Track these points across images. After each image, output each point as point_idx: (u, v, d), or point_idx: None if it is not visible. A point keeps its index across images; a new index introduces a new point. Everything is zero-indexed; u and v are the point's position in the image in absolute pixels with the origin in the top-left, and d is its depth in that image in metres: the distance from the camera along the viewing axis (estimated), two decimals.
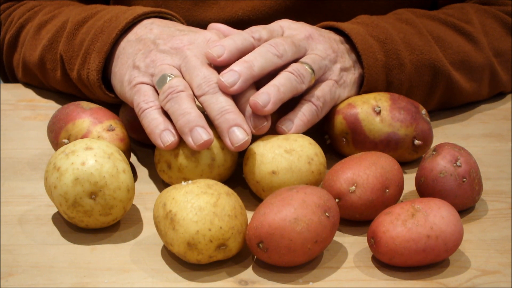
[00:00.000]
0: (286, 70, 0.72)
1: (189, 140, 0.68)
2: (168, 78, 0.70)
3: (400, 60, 0.80)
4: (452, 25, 0.86)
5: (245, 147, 0.68)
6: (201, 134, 0.67)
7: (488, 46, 0.87)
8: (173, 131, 0.69)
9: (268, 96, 0.69)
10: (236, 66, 0.70)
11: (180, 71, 0.72)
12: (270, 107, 0.69)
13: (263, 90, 0.70)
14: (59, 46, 0.84)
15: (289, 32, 0.76)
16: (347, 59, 0.78)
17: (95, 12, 0.83)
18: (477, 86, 0.87)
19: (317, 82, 0.75)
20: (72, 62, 0.82)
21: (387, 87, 0.79)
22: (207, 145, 0.67)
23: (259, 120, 0.70)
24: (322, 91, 0.74)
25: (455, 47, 0.84)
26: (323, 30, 0.79)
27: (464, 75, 0.85)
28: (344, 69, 0.77)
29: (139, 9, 0.80)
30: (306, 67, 0.73)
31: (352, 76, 0.77)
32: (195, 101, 0.70)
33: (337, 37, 0.79)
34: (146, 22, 0.79)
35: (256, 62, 0.70)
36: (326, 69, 0.75)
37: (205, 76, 0.70)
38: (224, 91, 0.69)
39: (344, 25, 0.80)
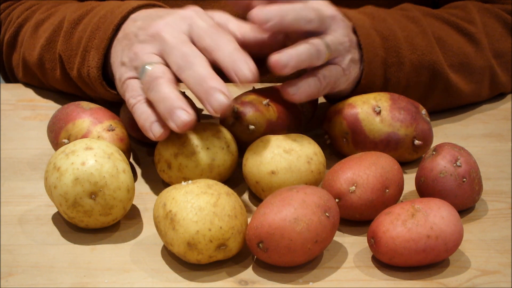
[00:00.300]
0: (307, 42, 0.72)
1: (171, 125, 0.67)
2: (148, 68, 0.70)
3: (400, 58, 0.80)
4: (455, 25, 0.86)
5: (227, 111, 0.67)
6: (180, 115, 0.66)
7: (489, 47, 0.87)
8: (162, 121, 0.69)
9: (290, 58, 0.69)
10: (271, 10, 0.70)
11: (163, 57, 0.72)
12: (288, 69, 0.69)
13: (286, 51, 0.70)
14: (57, 45, 0.84)
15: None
16: (356, 53, 0.78)
17: (90, 9, 0.83)
18: (477, 88, 0.87)
19: (327, 63, 0.75)
20: (72, 61, 0.82)
21: (384, 83, 0.79)
22: (189, 126, 0.66)
23: (243, 69, 0.68)
24: (330, 71, 0.74)
25: (455, 49, 0.84)
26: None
27: (464, 77, 0.85)
28: (353, 61, 0.77)
29: (133, 3, 0.79)
30: (324, 46, 0.73)
31: (357, 70, 0.77)
32: (177, 85, 0.69)
33: (350, 24, 0.79)
34: (133, 16, 0.78)
35: (288, 16, 0.70)
36: (339, 55, 0.75)
37: (183, 54, 0.69)
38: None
39: (351, 14, 0.79)
